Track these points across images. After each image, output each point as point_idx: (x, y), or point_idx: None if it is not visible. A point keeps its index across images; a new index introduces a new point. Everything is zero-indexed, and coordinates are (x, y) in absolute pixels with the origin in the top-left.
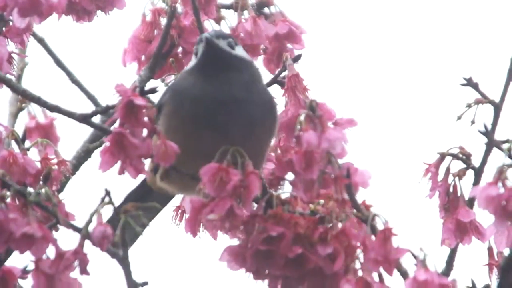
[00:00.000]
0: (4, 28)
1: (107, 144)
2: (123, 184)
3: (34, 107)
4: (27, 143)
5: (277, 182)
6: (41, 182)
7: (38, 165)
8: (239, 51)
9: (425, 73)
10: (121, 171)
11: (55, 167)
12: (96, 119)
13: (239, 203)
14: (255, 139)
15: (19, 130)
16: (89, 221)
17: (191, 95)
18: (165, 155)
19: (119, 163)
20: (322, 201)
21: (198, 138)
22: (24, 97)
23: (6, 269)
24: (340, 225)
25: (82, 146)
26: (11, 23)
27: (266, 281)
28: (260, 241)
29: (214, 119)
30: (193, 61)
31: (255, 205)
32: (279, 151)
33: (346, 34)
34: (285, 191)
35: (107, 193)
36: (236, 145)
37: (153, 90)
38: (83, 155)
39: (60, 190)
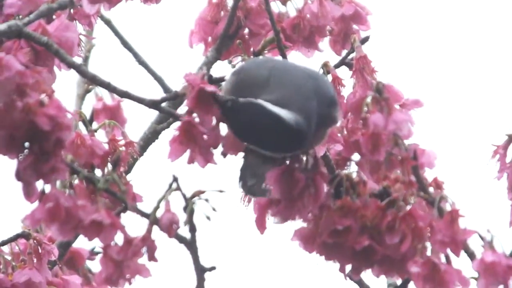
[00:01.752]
0: (72, 10)
1: (176, 133)
2: (191, 167)
3: (101, 89)
4: (95, 125)
5: (343, 163)
6: (109, 167)
7: (106, 146)
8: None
9: (495, 52)
10: (191, 161)
11: (123, 148)
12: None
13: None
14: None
15: (87, 112)
16: (157, 207)
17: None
18: (234, 145)
19: (188, 152)
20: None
21: None
22: (94, 82)
23: (75, 250)
24: (407, 207)
25: (149, 127)
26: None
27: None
28: (327, 233)
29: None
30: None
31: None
32: (346, 132)
33: (411, 14)
34: (353, 171)
35: (175, 179)
36: None
37: (222, 79)
38: (150, 136)
39: (127, 171)
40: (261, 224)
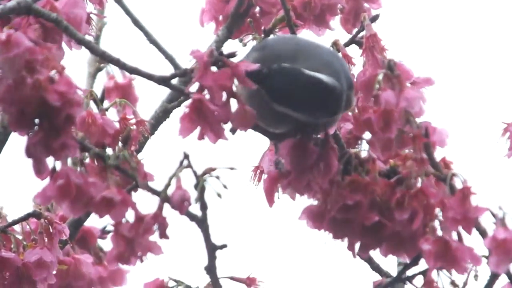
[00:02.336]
0: None
1: (186, 110)
2: (202, 144)
3: (112, 67)
4: (106, 103)
5: (354, 141)
6: (120, 145)
7: (117, 125)
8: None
9: (506, 27)
10: (201, 137)
11: (134, 127)
12: (175, 80)
13: (316, 177)
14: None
15: (98, 90)
16: (168, 185)
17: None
18: (243, 120)
19: (198, 128)
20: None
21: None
22: (103, 58)
23: (86, 229)
24: (419, 184)
25: (160, 106)
26: None
27: (346, 239)
28: (337, 209)
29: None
30: None
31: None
32: (356, 111)
33: None
34: (363, 149)
35: (186, 156)
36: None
37: (232, 54)
38: (162, 115)
39: (138, 150)
40: (270, 196)
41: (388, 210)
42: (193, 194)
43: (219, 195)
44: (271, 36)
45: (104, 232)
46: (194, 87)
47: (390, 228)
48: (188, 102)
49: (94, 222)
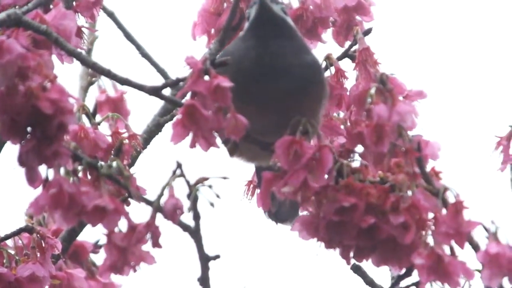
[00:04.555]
0: (74, 2)
1: (179, 116)
2: (194, 157)
3: (104, 81)
4: (98, 117)
5: (347, 155)
6: (112, 155)
7: (109, 139)
8: (289, 19)
9: (497, 43)
10: (193, 144)
11: (126, 141)
12: (166, 92)
13: (312, 175)
14: (302, 108)
15: (90, 104)
16: (161, 194)
17: (239, 63)
18: (235, 129)
19: (190, 135)
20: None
21: (250, 109)
22: (94, 70)
23: (78, 244)
24: (409, 192)
25: (152, 120)
26: None
27: (338, 250)
28: (332, 211)
29: (263, 88)
30: (245, 26)
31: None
32: (349, 124)
33: (414, 5)
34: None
35: (179, 165)
36: (288, 109)
37: (224, 63)
38: (154, 129)
39: (131, 164)
40: (264, 200)
41: (383, 214)
42: (186, 203)
43: (212, 205)
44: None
45: (96, 247)
46: (186, 96)
47: (386, 232)
48: (181, 108)
49: (86, 237)
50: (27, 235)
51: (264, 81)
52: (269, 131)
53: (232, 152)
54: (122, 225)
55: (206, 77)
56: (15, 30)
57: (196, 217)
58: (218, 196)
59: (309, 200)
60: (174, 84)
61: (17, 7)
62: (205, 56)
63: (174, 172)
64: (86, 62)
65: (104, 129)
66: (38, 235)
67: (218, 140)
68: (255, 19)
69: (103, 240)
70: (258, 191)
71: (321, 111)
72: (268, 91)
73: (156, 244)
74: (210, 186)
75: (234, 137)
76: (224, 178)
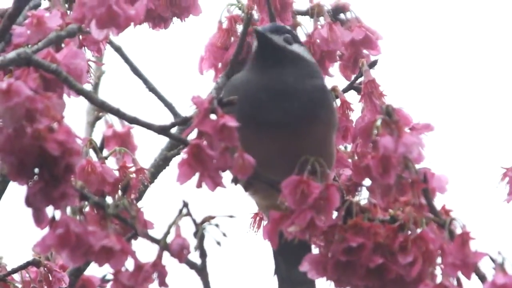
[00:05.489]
0: (81, 37)
1: (184, 156)
2: (201, 193)
3: (111, 116)
4: (105, 152)
5: (354, 188)
6: (119, 193)
7: (116, 173)
8: (296, 47)
9: (502, 75)
10: (199, 184)
11: (133, 175)
12: (174, 128)
13: (319, 214)
14: (313, 133)
15: (97, 139)
16: (167, 233)
17: (242, 94)
18: (242, 168)
19: (197, 175)
20: (400, 208)
21: (258, 142)
22: (103, 108)
23: (86, 278)
24: (418, 230)
25: (160, 154)
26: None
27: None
28: (340, 251)
29: (268, 115)
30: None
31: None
32: (356, 157)
33: (422, 38)
34: (363, 197)
35: (185, 204)
36: (294, 140)
37: (232, 102)
38: (161, 163)
39: (138, 198)
40: (273, 238)
41: (391, 254)
42: (192, 242)
43: (218, 243)
44: None
45: (103, 281)
46: (192, 135)
47: (394, 272)
48: (187, 148)
49: (94, 271)
50: (34, 269)
51: (266, 108)
52: (278, 164)
53: (247, 188)
54: (129, 264)
55: (213, 116)
56: (25, 70)
57: (203, 255)
58: (224, 235)
59: (317, 238)
60: (182, 123)
61: (29, 45)
62: (212, 95)
63: (181, 211)
64: (95, 101)
65: (112, 164)
66: (45, 269)
67: (226, 179)
68: (254, 51)
69: (110, 275)
70: (264, 223)
71: (333, 139)
72: (269, 118)
73: (162, 283)
74: (216, 225)
75: (241, 177)
76: (231, 216)
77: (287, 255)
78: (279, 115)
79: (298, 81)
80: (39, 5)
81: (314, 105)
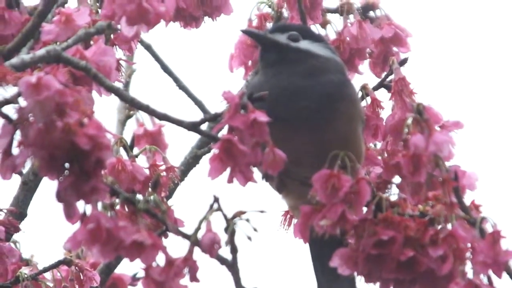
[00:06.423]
0: (112, 36)
1: (215, 151)
2: (232, 190)
3: (142, 114)
4: (136, 150)
5: (384, 186)
6: (150, 189)
7: (147, 172)
8: (305, 44)
9: None
10: (230, 179)
11: (164, 173)
12: (204, 125)
13: (350, 208)
14: (334, 126)
15: (128, 137)
16: (198, 228)
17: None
18: (273, 163)
19: (228, 170)
20: (430, 203)
21: (283, 140)
22: (133, 105)
23: (116, 276)
24: (449, 227)
25: (190, 152)
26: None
27: (378, 284)
28: (371, 245)
29: (285, 114)
30: None
31: (365, 209)
32: (386, 155)
33: (451, 36)
34: (393, 193)
35: (216, 199)
36: (316, 136)
37: (261, 98)
38: (191, 161)
39: (169, 196)
40: (304, 232)
41: (422, 247)
42: (223, 237)
43: (249, 238)
44: None
45: (134, 279)
46: (223, 130)
47: (425, 265)
48: (218, 143)
49: (124, 269)
50: (65, 268)
51: (279, 107)
52: (305, 161)
53: (280, 190)
54: (160, 259)
55: (243, 112)
56: (54, 67)
57: (234, 250)
58: (255, 230)
59: (348, 233)
60: (212, 119)
61: (57, 43)
62: (243, 91)
63: (211, 206)
64: (125, 97)
65: (142, 162)
66: (76, 268)
67: (257, 174)
68: (259, 54)
69: (141, 273)
70: (295, 221)
71: (359, 133)
72: (286, 117)
73: (193, 278)
74: (247, 220)
75: (272, 172)
76: (262, 211)
77: (327, 268)
78: (293, 112)
79: (305, 77)
80: (65, 2)
81: (329, 98)
